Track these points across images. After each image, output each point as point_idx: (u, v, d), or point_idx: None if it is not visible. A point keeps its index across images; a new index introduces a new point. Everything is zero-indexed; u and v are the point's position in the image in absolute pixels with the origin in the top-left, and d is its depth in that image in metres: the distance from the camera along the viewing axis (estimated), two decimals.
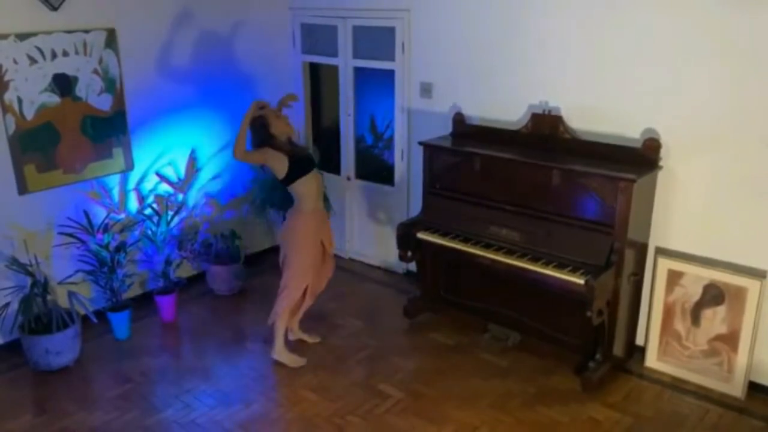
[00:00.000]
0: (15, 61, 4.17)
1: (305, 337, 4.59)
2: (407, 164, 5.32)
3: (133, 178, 4.95)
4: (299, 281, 4.25)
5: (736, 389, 3.92)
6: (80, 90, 4.51)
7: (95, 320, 4.36)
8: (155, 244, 4.88)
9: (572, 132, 4.25)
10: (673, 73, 3.85)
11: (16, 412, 3.86)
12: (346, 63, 5.50)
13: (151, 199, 5.02)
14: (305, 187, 4.11)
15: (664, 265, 4.06)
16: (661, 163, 3.94)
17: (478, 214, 4.33)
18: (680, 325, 4.08)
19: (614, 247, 3.80)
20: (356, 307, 5.09)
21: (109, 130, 4.71)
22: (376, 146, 5.87)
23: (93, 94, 4.58)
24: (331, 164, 5.85)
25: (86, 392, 4.07)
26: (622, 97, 4.07)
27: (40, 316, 4.25)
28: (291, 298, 4.27)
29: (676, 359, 4.13)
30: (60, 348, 4.20)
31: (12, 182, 4.32)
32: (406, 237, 4.56)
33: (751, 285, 3.77)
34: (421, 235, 4.50)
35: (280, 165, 4.02)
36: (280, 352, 4.32)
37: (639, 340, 4.33)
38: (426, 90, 5.04)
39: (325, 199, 5.71)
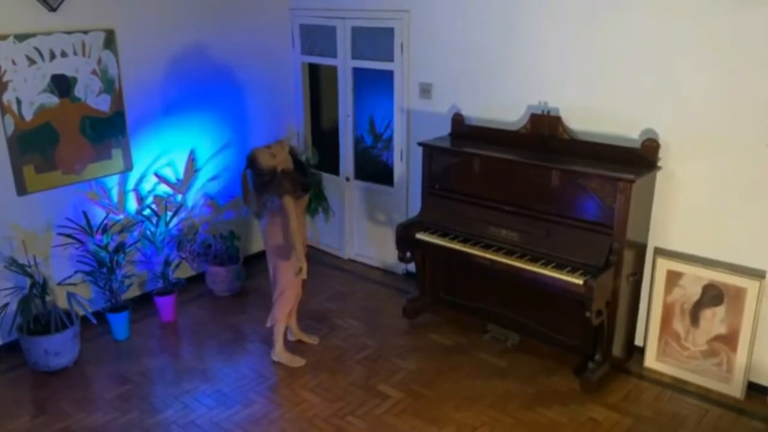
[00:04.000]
0: (14, 62, 4.17)
1: (304, 337, 4.59)
2: (406, 165, 5.32)
3: (132, 178, 4.95)
4: (295, 284, 4.28)
5: (736, 390, 3.92)
6: (79, 91, 4.51)
7: (94, 321, 4.36)
8: (154, 244, 4.87)
9: (571, 132, 4.25)
10: (672, 74, 3.86)
11: (15, 413, 3.86)
12: (345, 64, 5.50)
13: (150, 199, 5.02)
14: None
15: (663, 265, 4.06)
16: (660, 164, 3.94)
17: (478, 215, 4.33)
18: (679, 326, 4.08)
19: (613, 248, 3.80)
20: (355, 308, 5.09)
21: (108, 130, 4.71)
22: (375, 147, 5.87)
23: (92, 95, 4.58)
24: (331, 165, 5.85)
25: (85, 393, 4.06)
26: (621, 97, 4.07)
27: (39, 317, 4.24)
28: (290, 301, 4.31)
29: (675, 360, 4.13)
30: (59, 349, 4.20)
31: (11, 183, 4.31)
32: (405, 238, 4.56)
33: (750, 285, 3.77)
34: (420, 236, 4.50)
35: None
36: (280, 354, 4.33)
37: (638, 341, 4.34)
38: (425, 90, 5.04)
39: (324, 199, 5.75)
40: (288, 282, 4.24)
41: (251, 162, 4.02)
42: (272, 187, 3.97)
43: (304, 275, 4.13)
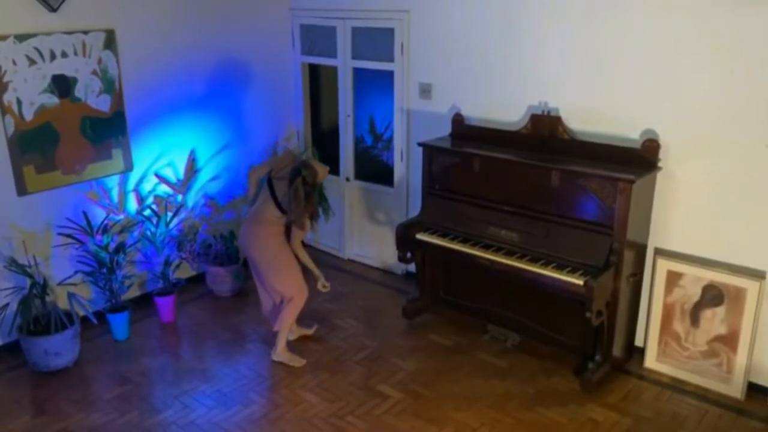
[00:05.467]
0: (14, 62, 4.17)
1: (304, 331, 4.62)
2: (406, 165, 5.32)
3: (133, 179, 4.95)
4: (303, 290, 4.30)
5: (736, 390, 3.92)
6: (79, 91, 4.51)
7: (95, 321, 4.36)
8: (154, 245, 4.87)
9: (571, 133, 4.25)
10: (673, 74, 3.85)
11: (15, 413, 3.86)
12: (345, 64, 5.50)
13: (150, 200, 5.02)
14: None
15: (664, 265, 4.06)
16: (660, 164, 3.94)
17: (478, 215, 4.33)
18: (679, 326, 4.08)
19: (613, 248, 3.80)
20: (355, 308, 5.09)
21: (108, 131, 4.71)
22: (375, 147, 5.87)
23: (92, 95, 4.59)
24: (331, 165, 5.84)
25: (85, 393, 4.07)
26: (621, 98, 4.07)
27: (39, 317, 4.25)
28: (299, 307, 4.32)
29: (675, 360, 4.13)
30: (59, 349, 4.20)
31: (11, 183, 4.31)
32: (405, 238, 4.56)
33: (751, 286, 3.77)
34: (420, 236, 4.50)
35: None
36: (281, 354, 4.34)
37: (638, 341, 4.33)
38: (425, 91, 5.04)
39: (325, 200, 5.75)
40: (296, 290, 4.26)
41: (311, 175, 4.02)
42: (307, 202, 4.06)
43: (328, 287, 4.37)
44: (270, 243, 4.18)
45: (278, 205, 4.12)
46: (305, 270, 4.35)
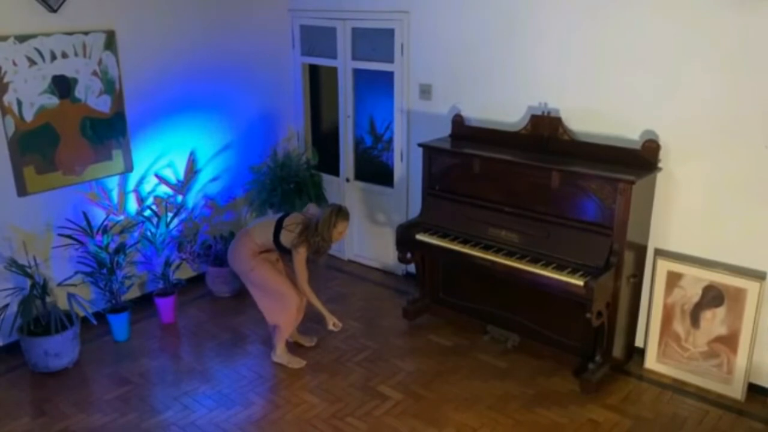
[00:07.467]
0: (14, 63, 4.18)
1: (302, 340, 4.59)
2: (406, 166, 5.32)
3: (133, 179, 4.95)
4: (290, 306, 4.25)
5: (736, 391, 3.92)
6: (79, 92, 4.51)
7: (95, 322, 4.36)
8: (154, 245, 4.87)
9: (571, 133, 4.25)
10: (673, 75, 3.85)
11: (15, 414, 3.86)
12: (345, 64, 5.50)
13: (150, 200, 5.02)
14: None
15: (664, 266, 4.06)
16: (660, 165, 3.94)
17: (477, 216, 4.33)
18: (680, 327, 4.08)
19: (613, 249, 3.80)
20: (355, 309, 5.09)
21: (108, 131, 4.71)
22: (375, 148, 5.86)
23: (92, 96, 4.59)
24: (331, 166, 5.85)
25: (85, 394, 4.06)
26: (621, 98, 4.07)
27: (39, 318, 4.25)
28: (291, 321, 4.30)
29: (675, 361, 4.13)
30: (59, 350, 4.20)
31: (11, 184, 4.31)
32: (405, 239, 4.56)
33: (751, 286, 3.77)
34: (420, 237, 4.50)
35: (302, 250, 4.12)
36: (280, 355, 4.34)
37: (638, 342, 4.33)
38: (425, 91, 5.04)
39: (324, 201, 5.75)
40: (282, 314, 4.24)
41: (346, 215, 4.14)
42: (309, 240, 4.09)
43: (340, 326, 4.33)
44: (247, 260, 4.17)
45: (277, 230, 4.11)
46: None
